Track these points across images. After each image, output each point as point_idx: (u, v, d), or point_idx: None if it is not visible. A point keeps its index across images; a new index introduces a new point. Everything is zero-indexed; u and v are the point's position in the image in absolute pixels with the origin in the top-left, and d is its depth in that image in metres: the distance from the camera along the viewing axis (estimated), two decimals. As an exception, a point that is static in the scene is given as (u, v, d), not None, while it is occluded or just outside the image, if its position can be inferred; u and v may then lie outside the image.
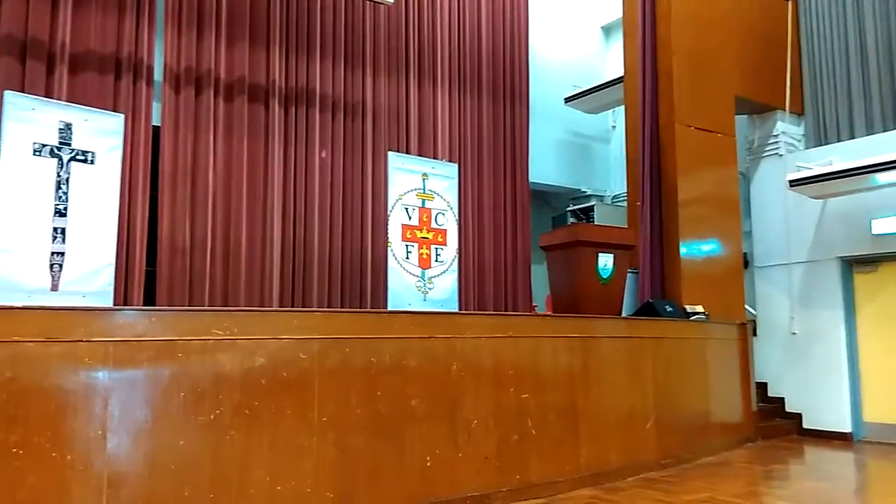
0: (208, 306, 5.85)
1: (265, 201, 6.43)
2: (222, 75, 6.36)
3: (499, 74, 8.21)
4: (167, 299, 5.82)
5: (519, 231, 8.16)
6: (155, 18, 6.13)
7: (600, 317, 6.42)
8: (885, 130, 8.25)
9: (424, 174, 6.35)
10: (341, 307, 6.56)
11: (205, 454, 3.92)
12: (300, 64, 6.76)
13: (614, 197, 11.01)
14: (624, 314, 7.20)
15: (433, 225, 6.37)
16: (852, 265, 8.43)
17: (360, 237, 6.89)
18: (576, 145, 11.04)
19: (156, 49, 6.15)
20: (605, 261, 6.81)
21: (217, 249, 6.14)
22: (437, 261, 6.35)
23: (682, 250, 7.81)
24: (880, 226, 7.92)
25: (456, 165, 6.86)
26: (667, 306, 7.31)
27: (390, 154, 6.34)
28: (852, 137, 8.58)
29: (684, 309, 7.46)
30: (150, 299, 5.82)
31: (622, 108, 9.19)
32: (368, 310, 6.46)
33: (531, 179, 8.52)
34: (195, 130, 6.18)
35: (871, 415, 8.14)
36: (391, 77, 7.32)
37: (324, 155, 6.77)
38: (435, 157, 7.25)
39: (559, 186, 10.69)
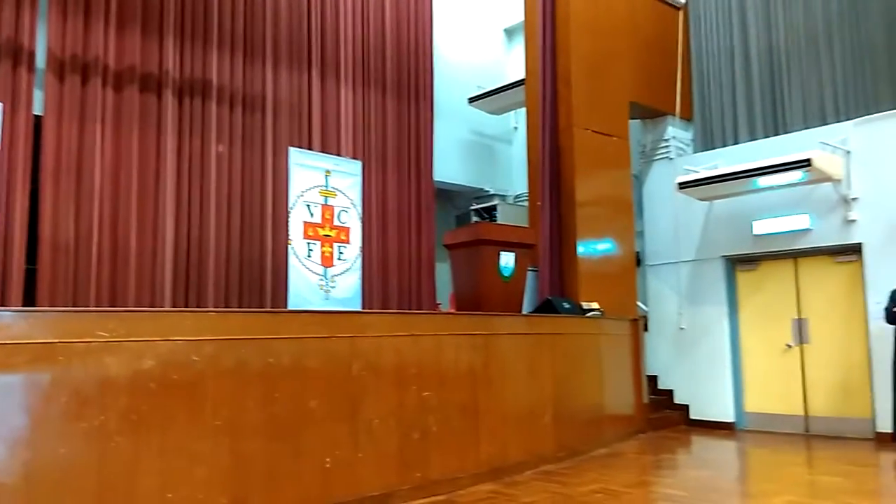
0: (93, 307, 5.54)
1: (157, 197, 6.15)
2: (111, 63, 6.03)
3: (403, 72, 8.20)
4: (49, 300, 5.47)
5: (423, 229, 8.18)
6: (38, 1, 5.74)
7: (502, 314, 6.53)
8: (765, 137, 8.80)
9: (327, 171, 6.26)
10: (239, 307, 6.37)
11: (89, 463, 3.72)
12: (196, 53, 6.50)
13: (516, 197, 11.23)
14: (524, 311, 7.36)
15: (336, 223, 6.29)
16: (735, 264, 8.95)
17: (259, 235, 6.70)
18: (479, 145, 11.19)
19: (39, 34, 5.76)
20: (507, 259, 6.94)
21: (104, 247, 5.82)
22: (339, 259, 6.28)
23: (580, 249, 8.07)
24: (761, 227, 8.45)
25: (359, 163, 6.80)
26: (565, 303, 7.52)
27: (291, 150, 6.21)
28: (736, 143, 9.10)
29: (581, 306, 7.71)
30: (30, 300, 5.46)
31: (524, 109, 9.39)
32: (266, 309, 6.30)
33: (435, 178, 8.55)
34: (81, 121, 5.83)
35: (752, 405, 8.68)
36: (292, 70, 7.17)
37: (220, 149, 6.54)
38: (338, 154, 7.16)
39: (463, 185, 10.80)
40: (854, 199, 7.74)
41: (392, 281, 7.74)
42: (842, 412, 7.85)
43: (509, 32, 11.74)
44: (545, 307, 7.47)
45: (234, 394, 4.30)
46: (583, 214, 8.13)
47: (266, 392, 4.44)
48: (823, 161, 7.47)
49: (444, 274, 8.03)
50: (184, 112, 6.39)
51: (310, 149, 7.00)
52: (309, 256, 6.03)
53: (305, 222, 6.05)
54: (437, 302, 8.34)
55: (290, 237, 5.95)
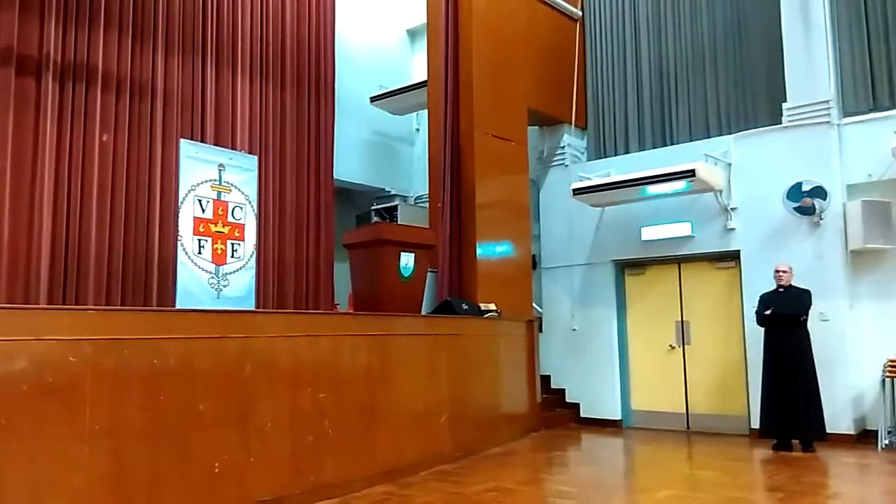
0: (-43, 304, 5.08)
1: (33, 187, 5.70)
2: (-17, 42, 5.56)
3: (304, 68, 8.01)
4: None
5: (322, 228, 8.02)
6: None
7: (400, 315, 6.51)
8: (654, 148, 9.23)
9: (221, 165, 6.04)
10: (122, 306, 6.01)
11: (-54, 474, 3.40)
12: (80, 35, 6.07)
13: (417, 198, 11.25)
14: (423, 312, 7.37)
15: (230, 219, 6.08)
16: (624, 268, 9.33)
17: (145, 230, 6.35)
18: (381, 145, 11.13)
19: None
20: (407, 260, 6.93)
21: (-28, 240, 5.36)
22: (232, 257, 6.06)
23: (479, 251, 8.16)
24: (649, 233, 8.84)
25: (256, 158, 6.60)
26: (463, 304, 7.59)
27: (183, 142, 5.94)
28: (627, 152, 9.49)
29: (479, 307, 7.80)
30: None
31: (426, 111, 9.42)
32: (152, 308, 5.98)
33: (336, 177, 8.42)
34: (-54, 103, 5.34)
35: (637, 403, 9.06)
36: (186, 58, 6.85)
37: (105, 138, 6.15)
38: (233, 148, 6.90)
39: (364, 185, 10.71)
40: (733, 209, 8.23)
41: (288, 280, 7.54)
42: (720, 410, 8.33)
43: (412, 33, 11.75)
44: (444, 308, 7.51)
45: (116, 397, 4.06)
46: (482, 217, 8.24)
47: (150, 395, 4.21)
48: (706, 172, 7.91)
49: (342, 274, 7.91)
50: (65, 98, 5.96)
51: (202, 141, 6.70)
52: (199, 253, 5.79)
53: (196, 218, 5.80)
54: (336, 302, 8.22)
55: (179, 233, 5.68)
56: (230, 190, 6.08)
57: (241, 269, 6.10)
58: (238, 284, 6.06)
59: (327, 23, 8.34)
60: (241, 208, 6.15)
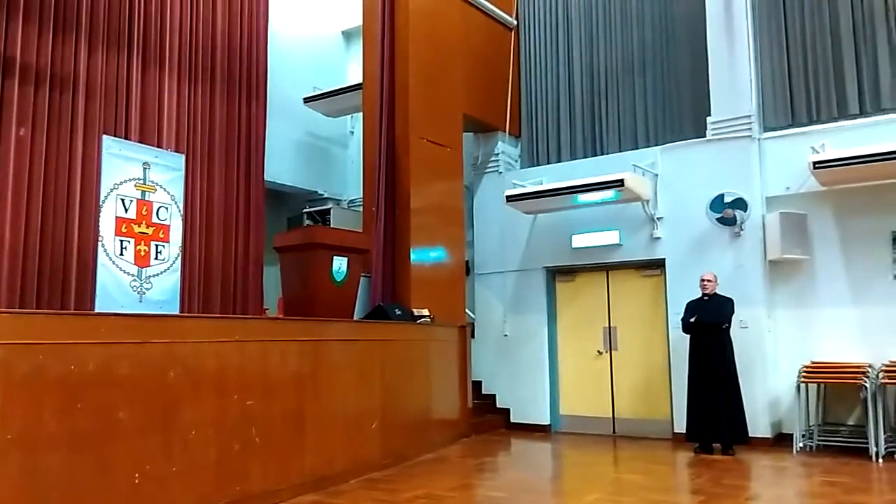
0: None
1: (-60, 181, 5.38)
2: None
3: (235, 65, 7.81)
4: None
5: (251, 230, 7.82)
6: None
7: (332, 320, 6.42)
8: (585, 157, 9.42)
9: (146, 163, 5.81)
10: (37, 308, 5.71)
11: None
12: (-5, 24, 5.77)
13: (351, 201, 11.14)
14: (356, 317, 7.29)
15: (154, 219, 5.85)
16: (555, 274, 9.47)
17: (63, 229, 6.05)
18: (314, 147, 10.98)
19: None
20: (340, 264, 6.84)
21: None
22: (156, 259, 5.84)
23: (413, 256, 8.13)
24: (579, 240, 9.01)
25: (183, 157, 6.38)
26: (396, 309, 7.54)
27: (106, 138, 5.69)
28: (559, 161, 9.66)
29: (412, 312, 7.77)
30: None
31: (361, 114, 9.35)
32: (69, 311, 5.71)
33: (267, 178, 8.24)
34: None
35: (566, 408, 9.21)
36: (111, 51, 6.57)
37: (22, 132, 5.84)
38: (159, 146, 6.66)
39: (296, 187, 10.54)
40: (659, 219, 8.48)
41: (215, 284, 7.32)
42: (645, 414, 8.54)
43: (348, 35, 11.65)
44: (377, 313, 7.45)
45: (29, 404, 3.84)
46: (416, 222, 8.22)
47: (67, 402, 4.01)
48: (634, 182, 8.12)
49: (272, 278, 7.75)
50: (-23, 88, 5.64)
51: (127, 138, 6.44)
52: (121, 255, 5.55)
53: (119, 218, 5.55)
54: (265, 307, 8.04)
55: (100, 233, 5.44)
56: (155, 189, 5.86)
57: (165, 271, 5.88)
58: (162, 287, 5.83)
59: (260, 20, 8.16)
60: (167, 209, 5.94)
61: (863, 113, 7.64)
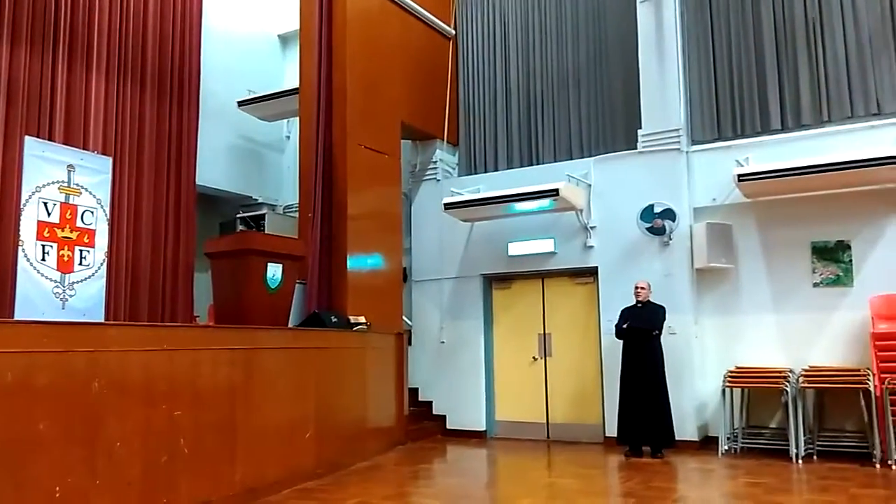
0: None
1: None
2: None
3: (166, 66, 7.61)
4: None
5: (182, 236, 7.63)
6: None
7: (265, 328, 6.31)
8: (522, 166, 9.55)
9: (70, 166, 5.62)
10: (-50, 316, 5.43)
11: None
12: None
13: (286, 207, 10.98)
14: (290, 325, 7.18)
15: (78, 224, 5.66)
16: (492, 282, 9.56)
17: (-20, 233, 5.79)
18: (249, 151, 10.78)
19: None
20: (274, 271, 6.73)
21: None
22: (81, 264, 5.65)
23: (349, 263, 8.07)
24: (515, 248, 9.12)
25: (110, 160, 6.20)
26: (332, 317, 7.47)
27: (28, 139, 5.48)
28: (496, 170, 9.76)
29: (348, 319, 7.70)
30: None
31: (297, 119, 9.24)
32: (-14, 319, 5.44)
33: (199, 182, 8.06)
34: None
35: (501, 413, 9.28)
36: (34, 49, 6.31)
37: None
38: (85, 148, 6.42)
39: (229, 192, 10.32)
40: (592, 228, 8.67)
41: (143, 290, 7.10)
42: (577, 419, 8.69)
43: (284, 39, 11.51)
44: (312, 321, 7.35)
45: (-63, 418, 3.64)
46: (354, 228, 8.16)
47: (-19, 415, 3.82)
48: (569, 192, 8.28)
49: (204, 284, 7.56)
50: None
51: (50, 140, 6.19)
52: (43, 260, 5.33)
53: (41, 222, 5.35)
54: (195, 314, 7.84)
55: (20, 237, 5.21)
56: (80, 193, 5.67)
57: (89, 277, 5.69)
58: (86, 294, 5.64)
59: (193, 20, 7.99)
60: (92, 213, 5.74)
61: (784, 128, 8.00)
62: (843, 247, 7.53)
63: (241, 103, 10.21)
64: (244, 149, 10.67)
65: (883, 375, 6.68)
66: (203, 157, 8.14)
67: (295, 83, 9.29)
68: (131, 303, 6.98)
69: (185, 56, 7.84)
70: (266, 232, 9.81)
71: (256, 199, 10.72)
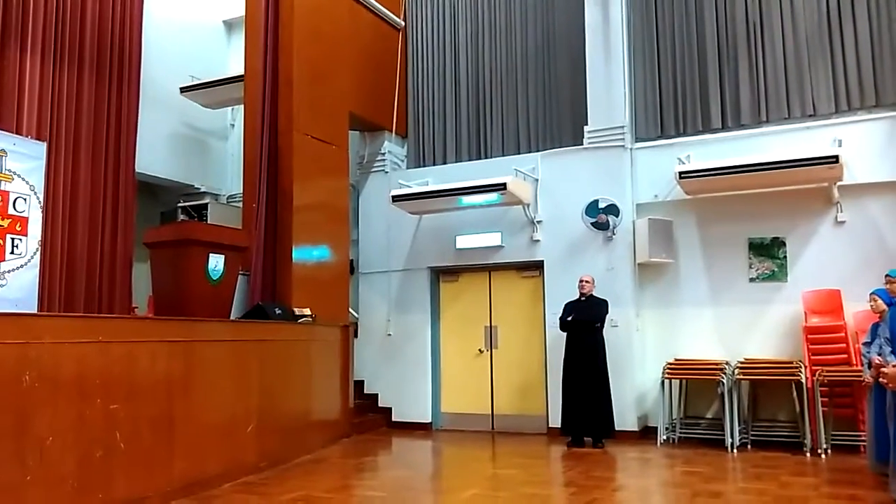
0: None
1: None
2: None
3: (105, 48, 7.34)
4: None
5: (120, 224, 7.38)
6: None
7: (206, 320, 6.18)
8: (470, 160, 9.58)
9: (2, 151, 5.40)
10: None
11: None
12: None
13: (230, 197, 10.77)
14: (233, 317, 7.06)
15: (10, 211, 5.45)
16: (439, 275, 9.57)
17: None
18: (191, 139, 10.53)
19: None
20: (216, 262, 6.60)
21: None
22: (12, 253, 5.43)
23: (295, 254, 7.96)
24: (463, 241, 9.15)
25: (44, 145, 5.97)
26: (276, 309, 7.36)
27: (-45, 122, 5.23)
28: (445, 163, 9.77)
29: (293, 311, 7.61)
30: None
31: (242, 106, 9.07)
32: None
33: (139, 170, 7.82)
34: None
35: (447, 405, 9.32)
36: (-39, 28, 6.03)
37: None
38: (18, 133, 6.16)
39: (170, 180, 10.06)
40: (539, 222, 8.76)
41: (79, 280, 6.86)
42: (522, 410, 8.79)
43: (229, 25, 11.27)
44: (255, 313, 7.24)
45: None
46: (299, 220, 8.05)
47: None
48: (516, 186, 8.34)
49: (143, 275, 7.36)
50: None
51: (-20, 123, 5.94)
52: (-29, 248, 5.11)
53: (-31, 208, 5.13)
54: (134, 305, 7.63)
55: (-54, 224, 4.99)
56: (12, 179, 5.45)
57: (21, 266, 5.47)
58: (18, 284, 5.42)
59: (134, 5, 7.73)
60: (25, 200, 5.53)
61: (724, 128, 8.23)
62: (779, 243, 7.80)
63: (183, 90, 9.96)
64: (187, 136, 10.42)
65: (814, 368, 6.96)
66: (144, 145, 7.91)
67: (240, 70, 9.12)
68: (66, 293, 6.74)
69: (125, 38, 7.58)
70: (208, 222, 9.62)
71: (199, 189, 10.48)
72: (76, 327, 4.88)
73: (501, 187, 8.20)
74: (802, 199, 7.61)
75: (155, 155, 9.20)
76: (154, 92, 8.82)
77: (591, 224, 8.40)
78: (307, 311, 7.75)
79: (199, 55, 10.52)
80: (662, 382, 7.67)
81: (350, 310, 9.15)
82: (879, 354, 5.34)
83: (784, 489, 5.46)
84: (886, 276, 5.75)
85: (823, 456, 6.72)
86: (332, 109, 8.73)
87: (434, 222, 9.34)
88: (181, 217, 10.13)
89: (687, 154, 8.07)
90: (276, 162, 8.04)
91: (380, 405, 9.46)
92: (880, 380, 4.94)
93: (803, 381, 6.95)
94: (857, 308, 7.01)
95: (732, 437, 7.15)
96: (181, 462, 5.43)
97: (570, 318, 7.72)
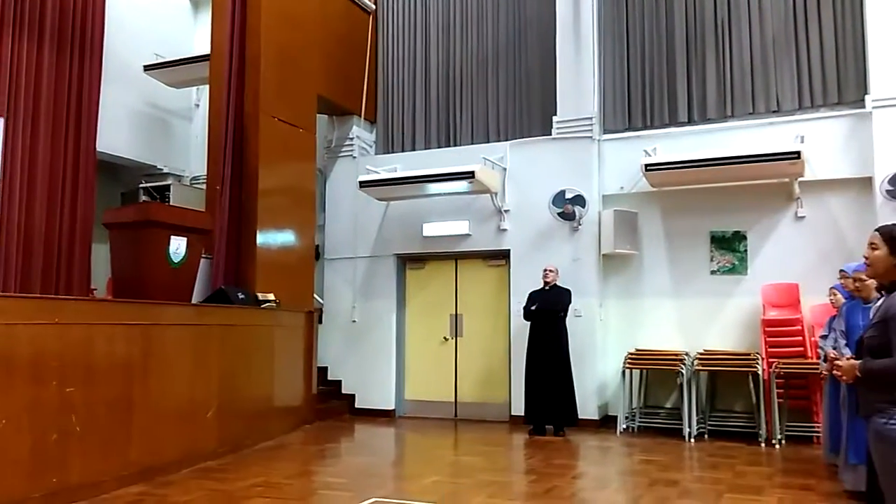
0: None
1: None
2: None
3: (67, 23, 7.14)
4: None
5: (80, 204, 7.22)
6: None
7: (166, 303, 6.08)
8: (439, 147, 9.55)
9: (-44, 125, 5.21)
10: None
11: None
12: None
13: (193, 178, 10.57)
14: (195, 300, 6.95)
15: (-37, 187, 5.27)
16: (406, 262, 9.55)
17: None
18: (155, 118, 10.30)
19: None
20: (178, 244, 6.49)
21: None
22: (-35, 231, 5.26)
23: (259, 239, 7.86)
24: (430, 229, 9.13)
25: (2, 119, 5.81)
26: (239, 293, 7.27)
27: None
28: (414, 149, 9.72)
29: (256, 296, 7.52)
30: None
31: (207, 87, 8.89)
32: None
33: (99, 148, 7.65)
34: None
35: (411, 393, 9.33)
36: (-87, -4, 5.81)
37: None
38: (-27, 107, 5.99)
39: (132, 160, 9.82)
40: (506, 211, 8.77)
41: (35, 261, 6.70)
42: (485, 398, 8.84)
43: (195, 3, 11.02)
44: (218, 297, 7.14)
45: None
46: (264, 203, 7.94)
47: None
48: (484, 175, 8.33)
49: (102, 256, 7.21)
50: None
51: (-66, 96, 5.74)
52: (-79, 225, 4.95)
53: (-81, 183, 4.95)
54: (92, 287, 7.47)
55: None
56: (-35, 154, 5.27)
57: (-26, 245, 5.31)
58: (-30, 263, 5.27)
59: (97, -22, 7.53)
60: (-21, 176, 5.36)
61: (691, 122, 8.33)
62: (740, 237, 7.93)
63: (147, 68, 9.73)
64: (150, 115, 10.19)
65: (771, 360, 7.11)
66: (105, 123, 7.74)
67: (206, 49, 8.94)
68: (23, 274, 6.59)
69: (87, 11, 7.38)
70: (170, 203, 9.43)
71: (161, 169, 10.25)
72: (31, 308, 4.77)
73: (470, 176, 8.19)
74: (764, 194, 7.74)
75: (117, 134, 8.98)
76: (117, 69, 8.62)
77: (558, 214, 8.45)
78: (271, 297, 7.66)
79: (164, 33, 10.28)
80: (623, 372, 7.77)
81: (315, 296, 9.07)
82: (835, 348, 5.46)
83: (739, 478, 5.58)
84: (840, 271, 5.88)
85: (777, 446, 6.88)
86: (300, 92, 8.61)
87: (401, 209, 9.30)
88: (143, 198, 9.92)
89: (653, 147, 8.14)
90: (241, 144, 7.91)
91: (343, 392, 9.42)
92: (834, 373, 5.05)
93: (760, 372, 7.10)
94: (814, 302, 7.16)
95: (690, 426, 7.28)
96: (138, 447, 5.35)
97: (533, 307, 7.77)
